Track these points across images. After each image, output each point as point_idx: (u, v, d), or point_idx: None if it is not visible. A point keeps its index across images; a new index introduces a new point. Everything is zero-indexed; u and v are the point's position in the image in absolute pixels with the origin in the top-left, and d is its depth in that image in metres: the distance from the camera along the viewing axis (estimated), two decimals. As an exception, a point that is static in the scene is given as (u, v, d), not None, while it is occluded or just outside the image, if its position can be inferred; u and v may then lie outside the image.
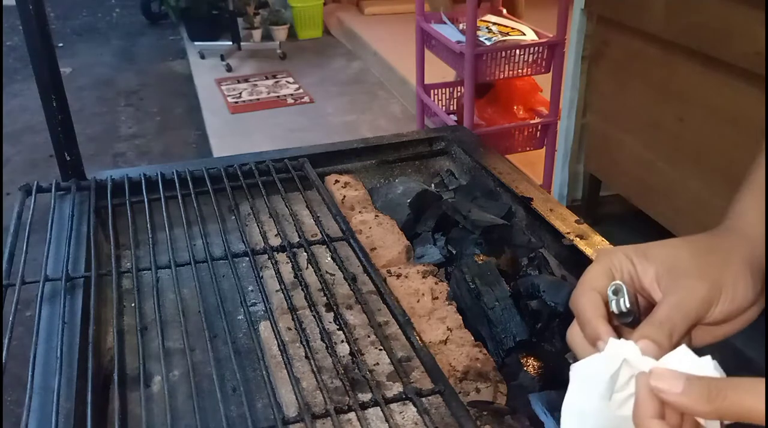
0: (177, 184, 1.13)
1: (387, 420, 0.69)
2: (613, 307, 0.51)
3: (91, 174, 1.20)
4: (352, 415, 0.72)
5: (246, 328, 0.93)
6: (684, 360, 0.46)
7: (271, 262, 0.96)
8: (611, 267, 0.53)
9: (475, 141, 1.35)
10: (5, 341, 0.79)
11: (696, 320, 0.50)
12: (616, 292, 0.51)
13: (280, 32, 5.39)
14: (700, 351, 0.47)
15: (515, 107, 2.99)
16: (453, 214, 1.12)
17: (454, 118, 3.00)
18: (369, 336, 0.87)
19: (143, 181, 1.14)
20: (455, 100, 3.12)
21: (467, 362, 0.82)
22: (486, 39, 2.67)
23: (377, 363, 0.83)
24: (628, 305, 0.50)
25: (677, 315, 0.49)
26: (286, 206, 1.09)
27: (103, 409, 0.79)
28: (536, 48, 2.67)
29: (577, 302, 0.52)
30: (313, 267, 0.94)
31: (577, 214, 1.07)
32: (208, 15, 5.34)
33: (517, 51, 2.66)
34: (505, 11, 3.03)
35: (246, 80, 4.67)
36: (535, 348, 0.88)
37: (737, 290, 0.51)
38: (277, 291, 0.93)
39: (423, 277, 0.97)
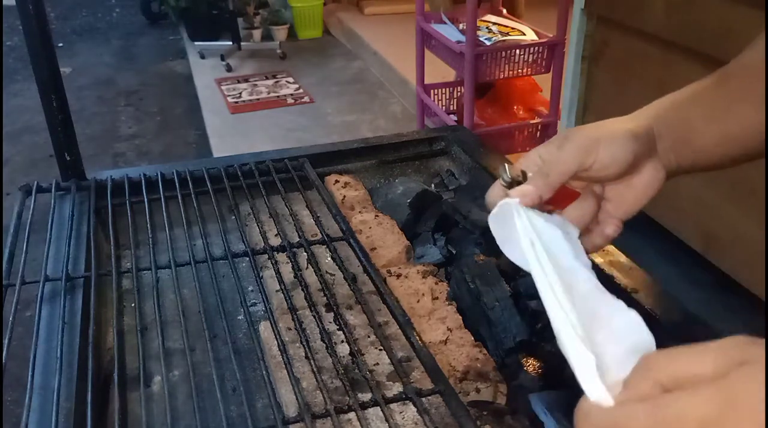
0: (177, 184, 1.13)
1: (387, 420, 0.69)
2: (503, 182, 0.60)
3: (91, 174, 1.19)
4: (352, 415, 0.72)
5: (246, 328, 0.93)
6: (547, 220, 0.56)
7: (271, 262, 0.96)
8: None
9: (475, 141, 1.35)
10: (5, 341, 0.79)
11: (576, 164, 0.58)
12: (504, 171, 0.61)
13: (280, 32, 5.39)
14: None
15: (515, 107, 2.99)
16: (453, 214, 1.12)
17: (454, 118, 3.00)
18: (369, 337, 0.87)
19: (143, 181, 1.14)
20: (455, 100, 3.12)
21: (467, 362, 0.82)
22: (486, 39, 2.67)
23: (377, 363, 0.83)
24: (508, 173, 0.60)
25: (553, 159, 0.59)
26: (286, 206, 1.09)
27: (103, 409, 0.79)
28: (536, 48, 2.67)
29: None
30: (313, 268, 0.94)
31: (577, 214, 1.06)
32: (208, 15, 5.34)
33: (517, 51, 2.66)
34: (505, 11, 3.03)
35: (246, 80, 4.67)
36: (535, 348, 0.88)
37: (614, 144, 0.58)
38: (277, 291, 0.93)
39: (423, 277, 0.97)
